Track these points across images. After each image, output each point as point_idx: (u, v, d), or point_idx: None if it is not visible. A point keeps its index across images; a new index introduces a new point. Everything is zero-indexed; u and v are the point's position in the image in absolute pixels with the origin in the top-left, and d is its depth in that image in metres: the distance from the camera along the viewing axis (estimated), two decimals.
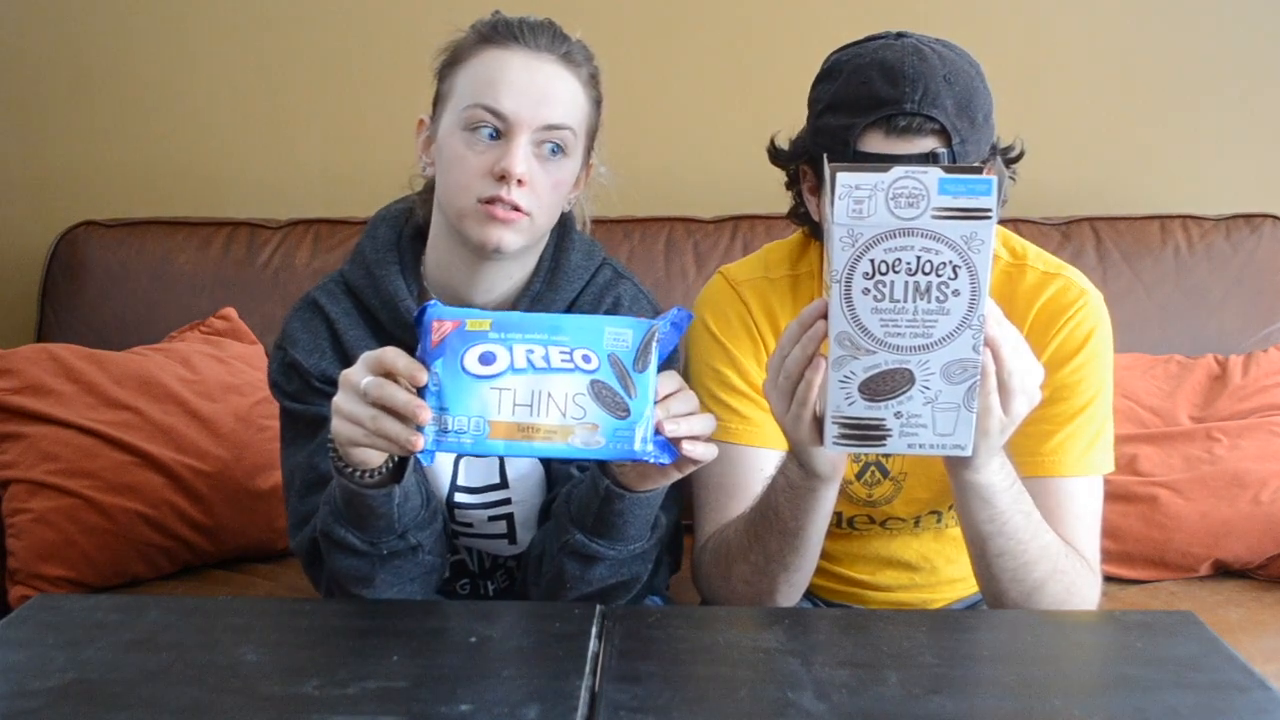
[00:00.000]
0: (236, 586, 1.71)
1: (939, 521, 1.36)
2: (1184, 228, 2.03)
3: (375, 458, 1.03)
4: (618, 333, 0.98)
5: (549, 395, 0.96)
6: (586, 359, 0.96)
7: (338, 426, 1.00)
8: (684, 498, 1.29)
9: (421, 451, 0.95)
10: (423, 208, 1.28)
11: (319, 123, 2.20)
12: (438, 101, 1.23)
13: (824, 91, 1.18)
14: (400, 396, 0.96)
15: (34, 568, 1.64)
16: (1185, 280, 1.98)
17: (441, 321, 0.97)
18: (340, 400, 1.00)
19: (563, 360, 0.96)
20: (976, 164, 1.11)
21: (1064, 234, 2.02)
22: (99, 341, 1.87)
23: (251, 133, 2.21)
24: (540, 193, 1.18)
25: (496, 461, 1.25)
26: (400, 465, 1.06)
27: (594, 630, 0.96)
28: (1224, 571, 1.76)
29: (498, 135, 1.16)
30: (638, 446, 0.96)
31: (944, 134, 1.10)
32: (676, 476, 1.06)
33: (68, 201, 2.16)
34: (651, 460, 0.97)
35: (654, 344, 0.97)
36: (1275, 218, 2.03)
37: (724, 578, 1.22)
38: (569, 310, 1.25)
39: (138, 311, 1.99)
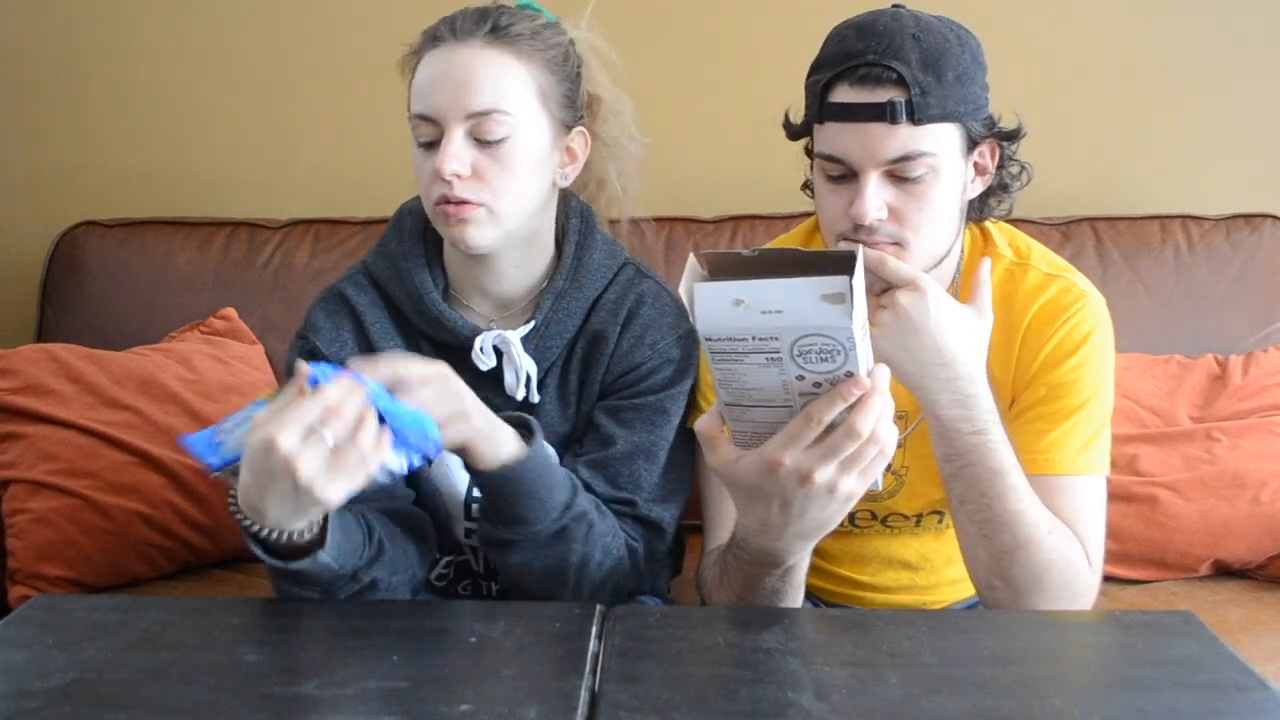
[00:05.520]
0: (236, 586, 1.71)
1: (940, 522, 1.36)
2: (1184, 228, 2.03)
3: (295, 520, 0.98)
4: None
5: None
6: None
7: (304, 467, 0.91)
8: (687, 500, 1.29)
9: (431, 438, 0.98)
10: None
11: (319, 123, 2.21)
12: None
13: (814, 60, 1.21)
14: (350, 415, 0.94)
15: (34, 568, 1.64)
16: (1185, 280, 1.98)
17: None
18: (289, 441, 0.91)
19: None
20: None
21: (1064, 234, 2.02)
22: (99, 341, 1.87)
23: (251, 133, 2.21)
24: (490, 180, 1.16)
25: None
26: (321, 532, 1.02)
27: (594, 630, 0.96)
28: (1224, 571, 1.77)
29: (437, 139, 1.16)
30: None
31: (903, 84, 1.12)
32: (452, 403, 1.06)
33: (68, 201, 2.16)
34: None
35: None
36: (1275, 218, 2.03)
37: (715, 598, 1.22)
38: (593, 309, 1.26)
39: (138, 311, 1.99)
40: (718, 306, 0.86)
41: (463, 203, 1.16)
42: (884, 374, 0.91)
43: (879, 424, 0.92)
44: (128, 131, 2.21)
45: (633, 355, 1.25)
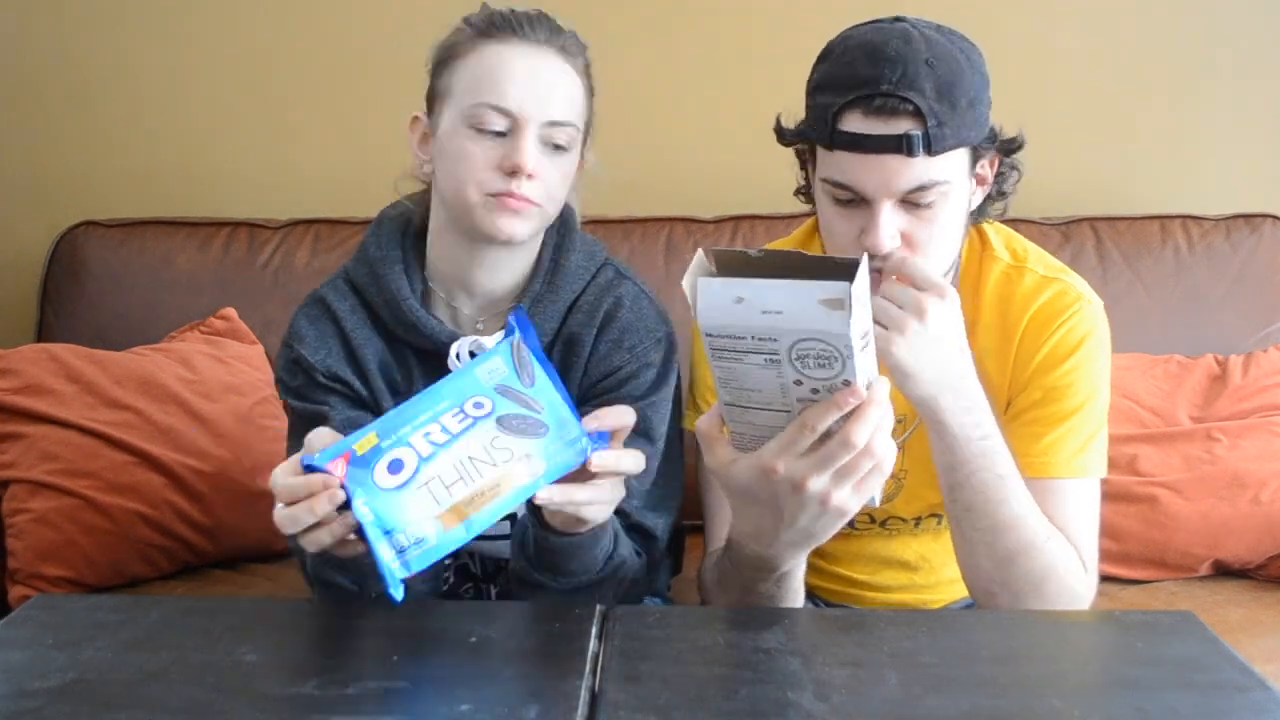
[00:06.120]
0: (236, 586, 1.71)
1: (939, 524, 1.36)
2: (1184, 228, 2.03)
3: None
4: (490, 367, 0.96)
5: (470, 459, 0.93)
6: (478, 405, 0.94)
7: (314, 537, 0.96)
8: (679, 506, 1.29)
9: (392, 585, 0.92)
10: (418, 208, 1.28)
11: (319, 123, 2.20)
12: (434, 98, 1.22)
13: (816, 72, 1.19)
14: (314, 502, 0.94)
15: (34, 568, 1.64)
16: (1185, 280, 1.98)
17: (335, 460, 0.93)
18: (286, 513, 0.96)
19: (460, 421, 0.93)
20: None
21: (1064, 234, 2.02)
22: (99, 341, 1.87)
23: (251, 133, 2.21)
24: (549, 185, 1.19)
25: None
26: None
27: (594, 630, 0.96)
28: (1224, 571, 1.76)
29: (504, 131, 1.16)
30: (575, 450, 0.95)
31: (919, 116, 1.10)
32: (602, 518, 1.04)
33: (68, 201, 2.16)
34: (590, 451, 0.95)
35: (524, 354, 0.95)
36: (1275, 218, 2.04)
37: (715, 601, 1.22)
38: (570, 312, 1.25)
39: (138, 311, 1.99)
40: (719, 302, 0.86)
41: (525, 199, 1.17)
42: (884, 387, 0.91)
43: (875, 436, 0.91)
44: (128, 131, 2.21)
45: (611, 359, 1.24)
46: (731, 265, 0.89)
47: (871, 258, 1.14)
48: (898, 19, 1.18)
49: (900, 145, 1.10)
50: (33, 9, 2.17)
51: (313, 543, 0.96)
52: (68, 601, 1.22)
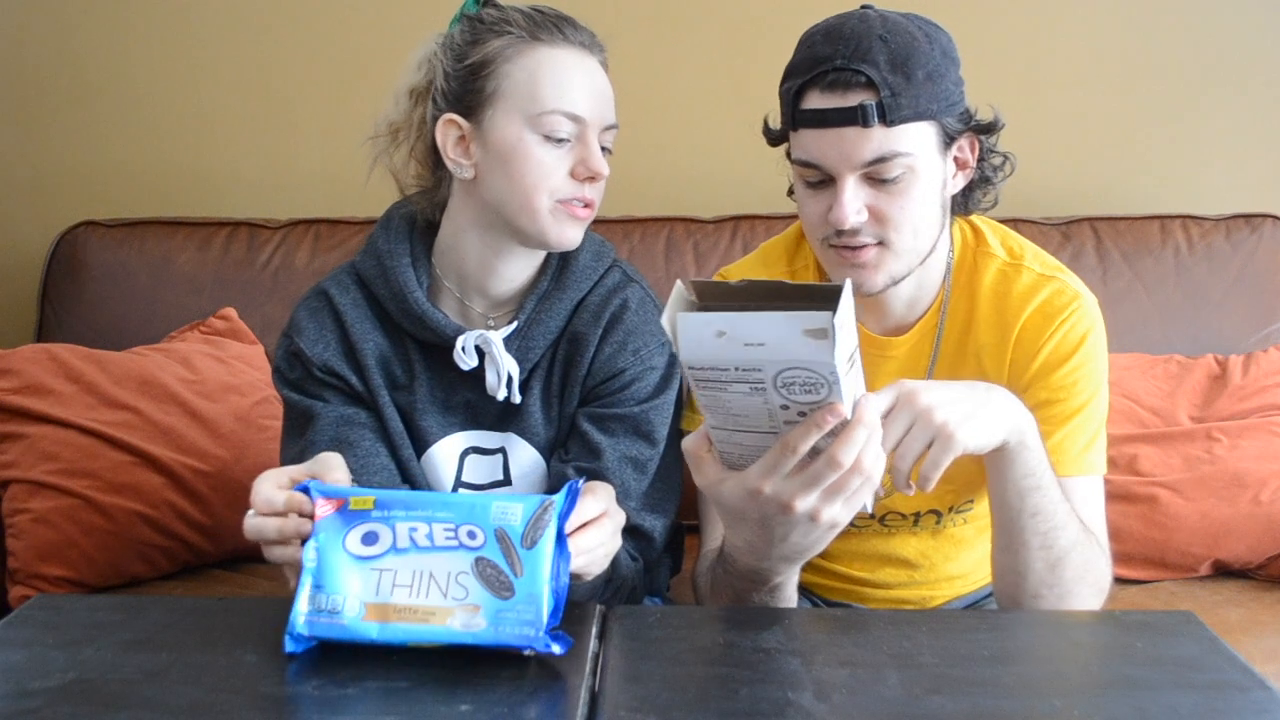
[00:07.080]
0: (236, 586, 1.71)
1: (938, 522, 1.36)
2: (1184, 228, 2.03)
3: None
4: (506, 508, 0.92)
5: (430, 575, 0.91)
6: (471, 535, 0.91)
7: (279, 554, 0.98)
8: (676, 508, 1.29)
9: (291, 635, 0.90)
10: (426, 205, 1.28)
11: (319, 123, 2.21)
12: (474, 100, 1.20)
13: (788, 64, 1.21)
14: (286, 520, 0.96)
15: (34, 568, 1.64)
16: (1185, 280, 1.99)
17: (327, 500, 0.93)
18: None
19: (447, 538, 0.91)
20: None
21: (1064, 234, 2.02)
22: (99, 341, 1.87)
23: (251, 133, 2.21)
24: (602, 188, 1.22)
25: (500, 458, 1.25)
26: None
27: (594, 630, 0.96)
28: (1224, 571, 1.77)
29: (568, 137, 1.19)
30: (521, 631, 0.89)
31: (873, 88, 1.12)
32: (600, 570, 1.05)
33: (68, 201, 2.16)
34: (540, 650, 0.89)
35: (546, 518, 0.92)
36: (1275, 218, 2.04)
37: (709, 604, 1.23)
38: (576, 310, 1.26)
39: (138, 311, 1.99)
40: (700, 337, 0.85)
41: (591, 206, 1.21)
42: (869, 405, 0.90)
43: (863, 454, 0.91)
44: (128, 131, 2.21)
45: (615, 361, 1.24)
46: (712, 294, 0.89)
47: (839, 233, 1.15)
48: (863, 6, 1.20)
49: (856, 116, 1.12)
50: (33, 9, 2.18)
51: (271, 556, 0.98)
52: (68, 601, 1.22)
